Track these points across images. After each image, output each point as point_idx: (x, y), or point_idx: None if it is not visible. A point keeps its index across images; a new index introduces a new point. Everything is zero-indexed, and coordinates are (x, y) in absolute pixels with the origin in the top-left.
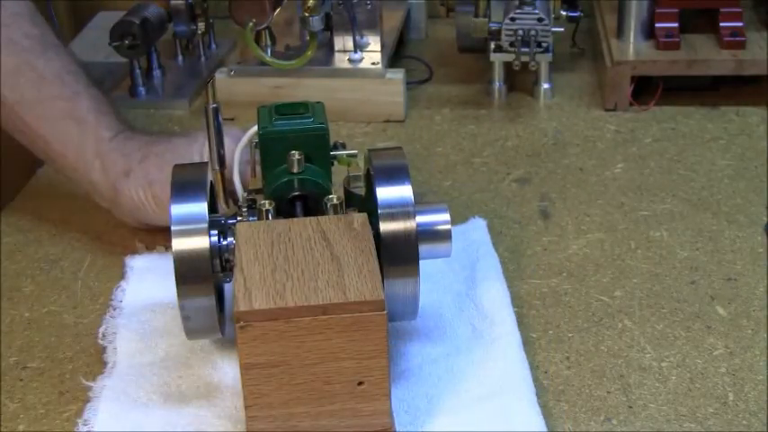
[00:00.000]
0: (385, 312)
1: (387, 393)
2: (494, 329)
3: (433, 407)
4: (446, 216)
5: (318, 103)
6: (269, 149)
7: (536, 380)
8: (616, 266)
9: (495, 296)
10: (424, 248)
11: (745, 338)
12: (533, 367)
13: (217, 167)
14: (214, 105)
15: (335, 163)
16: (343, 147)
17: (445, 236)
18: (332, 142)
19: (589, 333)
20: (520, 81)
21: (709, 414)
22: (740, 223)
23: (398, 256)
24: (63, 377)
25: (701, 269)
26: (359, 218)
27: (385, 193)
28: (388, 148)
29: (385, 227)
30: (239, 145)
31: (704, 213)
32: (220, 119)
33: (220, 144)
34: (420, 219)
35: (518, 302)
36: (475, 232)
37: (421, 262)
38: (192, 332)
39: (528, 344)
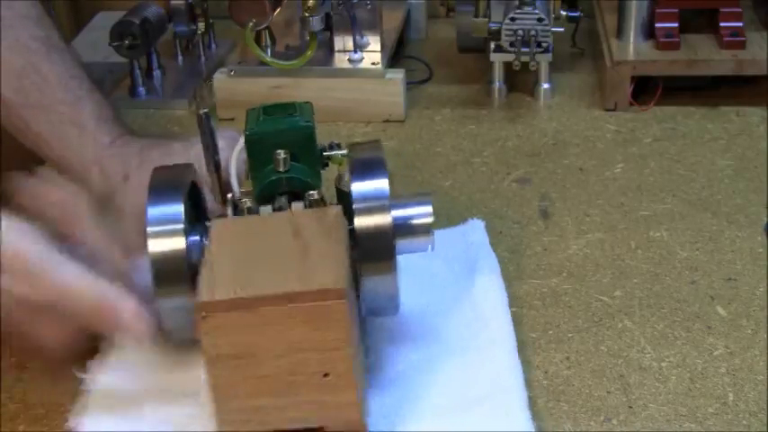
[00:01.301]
0: (345, 301)
1: (353, 385)
2: (489, 333)
3: (424, 409)
4: (428, 209)
5: (307, 102)
6: (255, 150)
7: (536, 380)
8: (616, 266)
9: (493, 299)
10: (402, 243)
11: (745, 338)
12: (533, 367)
13: (213, 170)
14: (205, 111)
15: (330, 163)
16: (339, 147)
17: (424, 230)
18: (327, 143)
19: (589, 333)
20: (520, 81)
21: (709, 414)
22: (740, 223)
23: (374, 250)
24: (63, 377)
25: (701, 269)
26: (333, 210)
27: (360, 187)
28: (366, 142)
29: (359, 222)
30: (236, 149)
31: (704, 213)
32: (212, 123)
33: (215, 148)
34: (399, 212)
35: (518, 302)
36: (474, 233)
37: (421, 262)
38: (171, 333)
39: (528, 344)
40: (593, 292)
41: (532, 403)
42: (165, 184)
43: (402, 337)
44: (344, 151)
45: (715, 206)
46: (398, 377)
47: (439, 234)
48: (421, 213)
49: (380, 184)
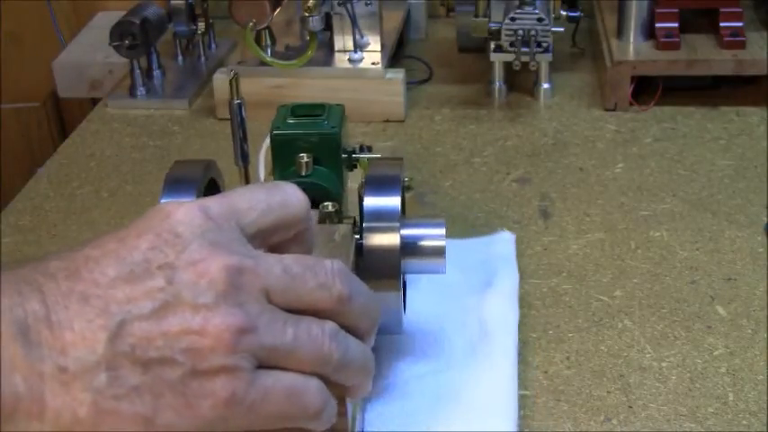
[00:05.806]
0: None
1: (343, 413)
2: (491, 349)
3: (413, 423)
4: (441, 231)
5: (339, 105)
6: (280, 150)
7: (536, 380)
8: (616, 266)
9: (502, 315)
10: (412, 263)
11: (745, 338)
12: (533, 367)
13: (241, 164)
14: (238, 101)
15: (357, 166)
16: (369, 150)
17: (436, 252)
18: (358, 144)
19: (589, 333)
20: (520, 81)
21: (709, 414)
22: (740, 223)
23: (379, 269)
24: None
25: (701, 269)
26: (341, 229)
27: (372, 203)
28: (389, 158)
29: (367, 239)
30: (263, 145)
31: (704, 213)
32: (244, 114)
33: (245, 138)
34: (410, 232)
35: (518, 302)
36: (498, 245)
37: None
38: None
39: (528, 344)
40: (593, 292)
41: (532, 403)
42: (179, 178)
43: (403, 348)
44: (378, 156)
45: (715, 206)
46: (387, 389)
47: (464, 243)
48: (433, 235)
49: (392, 202)
